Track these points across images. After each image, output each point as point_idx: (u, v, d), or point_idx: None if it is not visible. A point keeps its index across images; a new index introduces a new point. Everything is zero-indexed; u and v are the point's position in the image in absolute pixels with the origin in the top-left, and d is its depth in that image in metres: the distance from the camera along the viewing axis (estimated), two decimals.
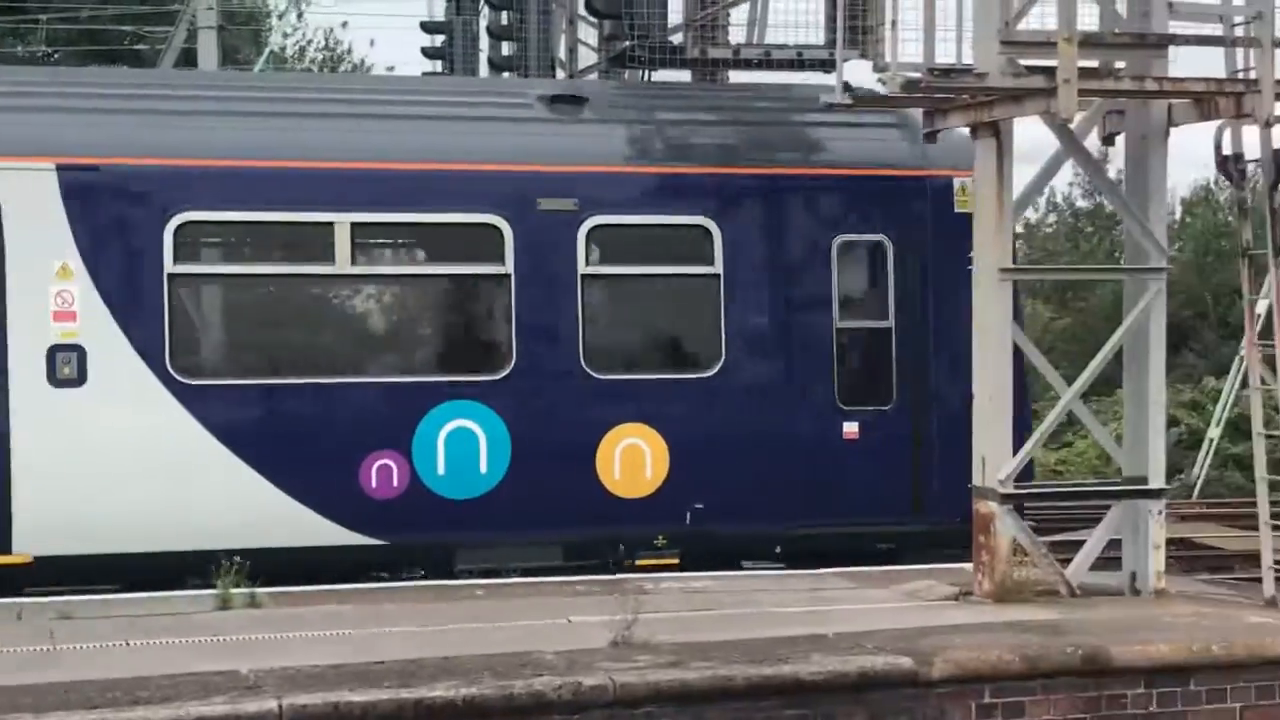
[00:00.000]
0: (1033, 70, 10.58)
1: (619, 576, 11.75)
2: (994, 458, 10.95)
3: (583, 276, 12.29)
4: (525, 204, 12.23)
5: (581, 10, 17.09)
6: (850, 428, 12.71)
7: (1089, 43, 10.60)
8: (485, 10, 19.55)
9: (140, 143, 11.60)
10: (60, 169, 11.31)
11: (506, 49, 18.26)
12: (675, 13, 14.89)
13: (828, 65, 12.49)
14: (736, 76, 15.13)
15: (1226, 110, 10.82)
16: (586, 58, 17.15)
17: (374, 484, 11.87)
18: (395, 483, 11.89)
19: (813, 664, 8.46)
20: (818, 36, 14.30)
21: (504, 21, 18.35)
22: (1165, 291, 11.27)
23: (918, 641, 9.06)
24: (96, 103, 11.91)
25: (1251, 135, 11.18)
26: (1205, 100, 10.90)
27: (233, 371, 11.57)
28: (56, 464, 11.19)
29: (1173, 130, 11.26)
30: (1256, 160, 11.26)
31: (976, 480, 11.09)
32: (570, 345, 12.24)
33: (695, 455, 12.44)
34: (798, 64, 14.43)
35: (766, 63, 14.58)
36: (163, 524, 11.19)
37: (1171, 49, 11.05)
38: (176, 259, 11.56)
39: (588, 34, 17.32)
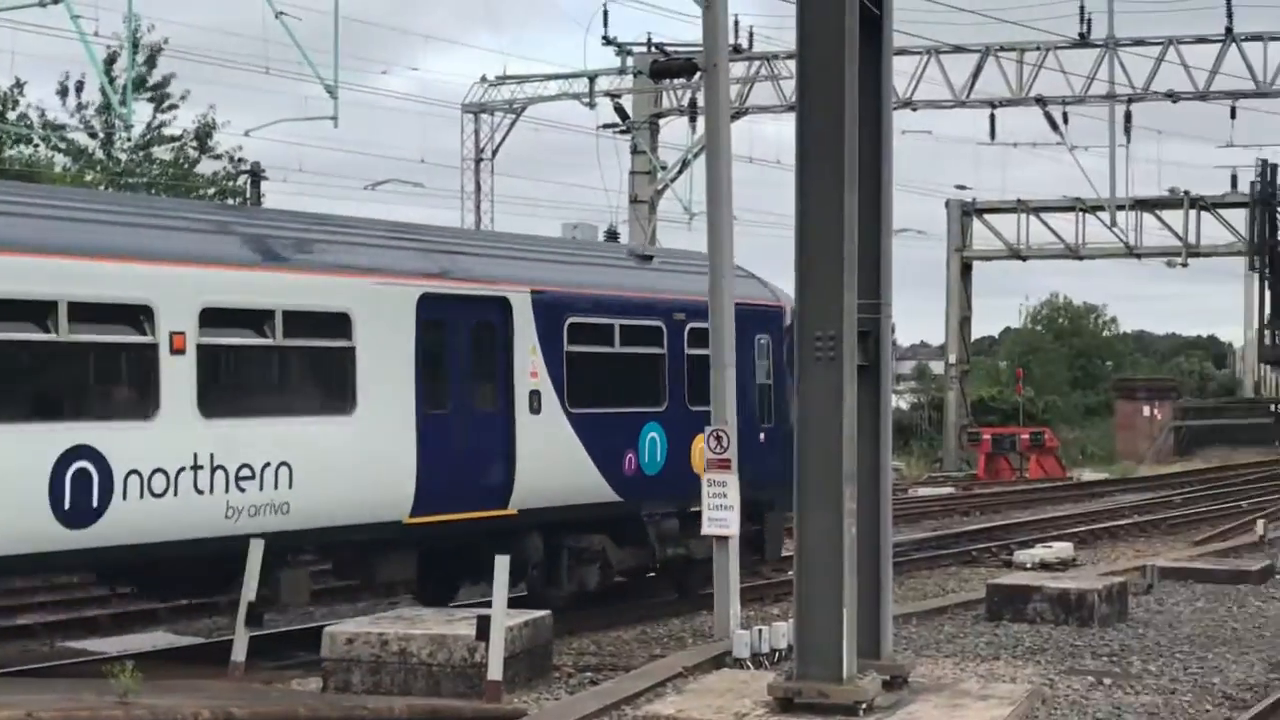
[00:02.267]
0: None
1: None
2: None
3: (687, 356, 20.98)
4: (670, 316, 20.98)
5: None
6: (762, 435, 21.83)
7: None
8: None
9: (557, 279, 19.62)
10: (532, 292, 18.96)
11: None
12: None
13: None
14: None
15: None
16: None
17: (628, 467, 20.04)
18: (633, 466, 20.14)
19: None
20: None
21: None
22: None
23: None
24: (531, 253, 20.01)
25: None
26: None
27: (585, 404, 19.58)
28: (533, 460, 18.61)
29: None
30: None
31: None
32: (680, 391, 20.85)
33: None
34: None
35: None
36: (561, 491, 19.20)
37: None
38: (568, 343, 19.41)
39: None
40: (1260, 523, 29.51)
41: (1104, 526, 32.34)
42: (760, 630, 16.33)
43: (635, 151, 47.26)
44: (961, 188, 54.37)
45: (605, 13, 47.10)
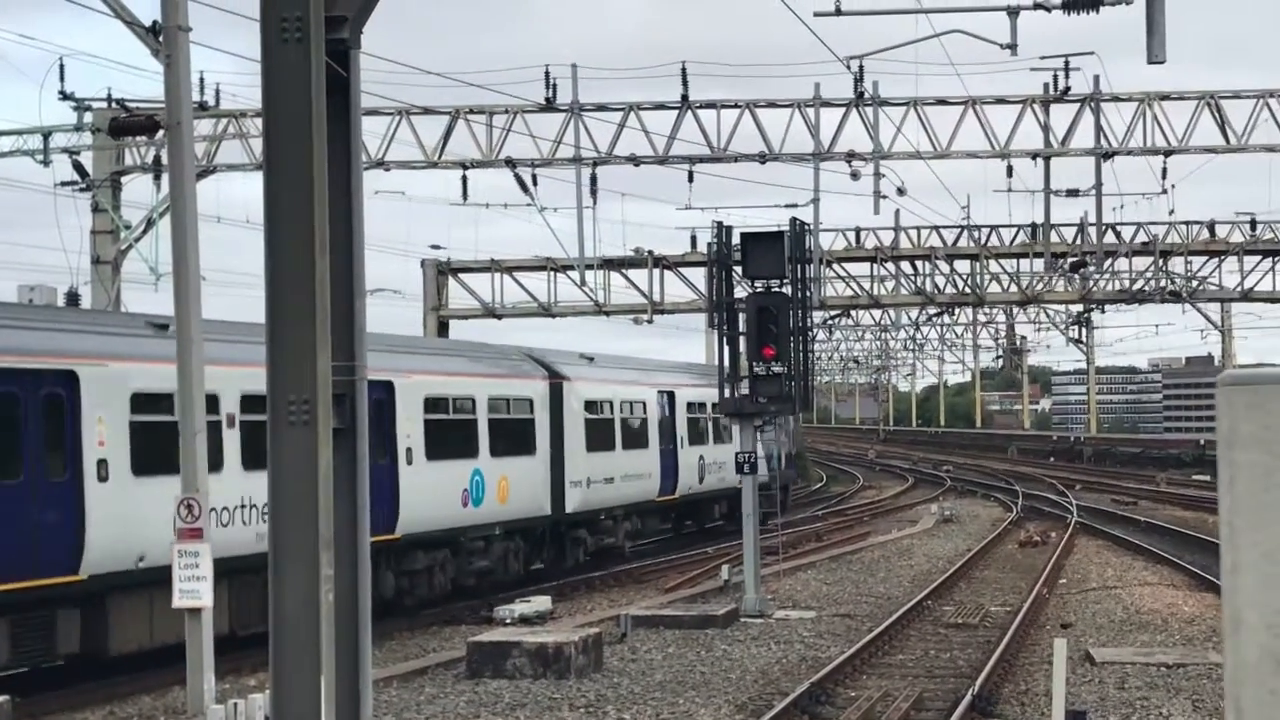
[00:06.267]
0: None
1: None
2: None
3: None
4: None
5: None
6: (793, 452, 51.88)
7: None
8: None
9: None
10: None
11: None
12: None
13: None
14: None
15: None
16: None
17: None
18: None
19: None
20: None
21: None
22: None
23: None
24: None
25: None
26: None
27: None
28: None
29: None
30: None
31: None
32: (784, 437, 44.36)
33: None
34: None
35: None
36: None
37: None
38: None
39: None
40: (725, 568, 30.88)
41: (580, 578, 33.14)
42: (236, 704, 15.89)
43: (96, 210, 45.49)
44: (436, 247, 54.73)
45: (61, 67, 45.27)
